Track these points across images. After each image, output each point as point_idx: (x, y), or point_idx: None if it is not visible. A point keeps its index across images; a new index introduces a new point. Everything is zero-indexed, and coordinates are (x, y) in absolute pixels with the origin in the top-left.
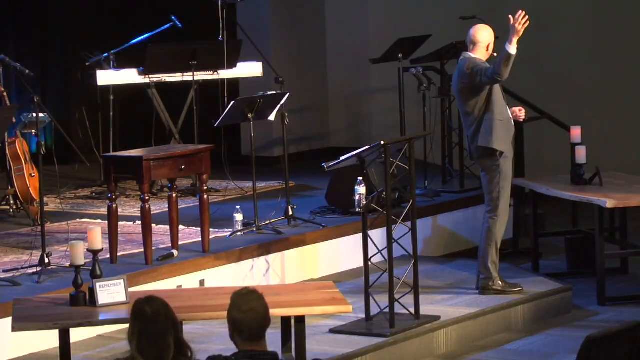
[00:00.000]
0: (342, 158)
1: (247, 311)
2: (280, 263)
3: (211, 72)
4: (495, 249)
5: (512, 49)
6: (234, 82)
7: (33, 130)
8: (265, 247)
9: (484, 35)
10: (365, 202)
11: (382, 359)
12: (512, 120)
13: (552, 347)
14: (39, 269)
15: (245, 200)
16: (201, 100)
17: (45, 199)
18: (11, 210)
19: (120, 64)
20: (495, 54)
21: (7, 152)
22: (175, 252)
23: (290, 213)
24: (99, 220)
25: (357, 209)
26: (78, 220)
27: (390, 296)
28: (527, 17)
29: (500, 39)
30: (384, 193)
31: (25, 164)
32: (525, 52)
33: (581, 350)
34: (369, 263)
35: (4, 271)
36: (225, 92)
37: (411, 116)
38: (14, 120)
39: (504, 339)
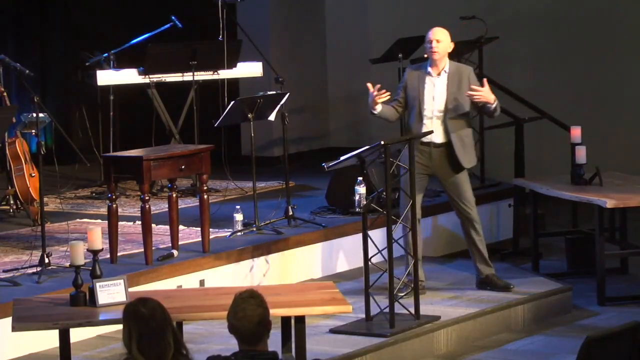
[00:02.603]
0: (342, 158)
1: (241, 319)
2: (280, 263)
3: (211, 72)
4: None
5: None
6: (234, 82)
7: (33, 130)
8: (265, 247)
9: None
10: (365, 202)
11: (382, 359)
12: None
13: (552, 347)
14: (39, 269)
15: (245, 200)
16: (201, 100)
17: (45, 199)
18: (11, 210)
19: (120, 64)
20: (426, 56)
21: (7, 152)
22: (175, 252)
23: (290, 213)
24: (99, 220)
25: (357, 209)
26: (78, 220)
27: (390, 296)
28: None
29: (500, 38)
30: (384, 193)
31: (25, 164)
32: (525, 52)
33: (581, 350)
34: (369, 263)
35: (4, 271)
36: (225, 92)
37: None
38: (14, 120)
39: (504, 339)
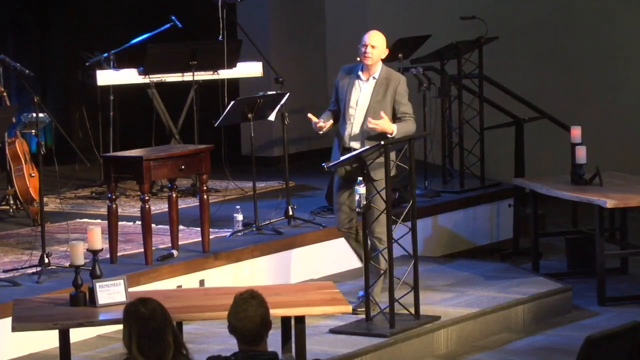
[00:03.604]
0: (342, 158)
1: (242, 319)
2: (280, 263)
3: (211, 72)
4: None
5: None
6: (234, 82)
7: (33, 130)
8: (265, 247)
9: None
10: (365, 202)
11: (382, 359)
12: None
13: (552, 347)
14: (39, 269)
15: (245, 200)
16: (201, 100)
17: (45, 199)
18: (11, 210)
19: (120, 64)
20: (359, 59)
21: (7, 152)
22: (175, 252)
23: (290, 213)
24: (99, 220)
25: (357, 209)
26: (78, 220)
27: (390, 296)
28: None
29: (500, 38)
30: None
31: (25, 164)
32: (525, 52)
33: (581, 350)
34: (369, 263)
35: (4, 271)
36: (225, 92)
37: None
38: (14, 120)
39: (504, 339)
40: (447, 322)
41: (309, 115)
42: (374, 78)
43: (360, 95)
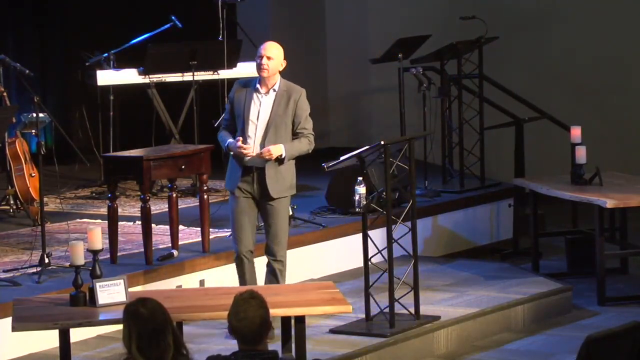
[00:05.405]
0: (342, 158)
1: (242, 320)
2: None
3: (211, 72)
4: None
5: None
6: (234, 82)
7: (33, 130)
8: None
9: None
10: (365, 202)
11: (382, 359)
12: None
13: (552, 347)
14: (39, 269)
15: None
16: (201, 100)
17: (45, 199)
18: (11, 210)
19: (120, 64)
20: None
21: (7, 152)
22: (175, 252)
23: (290, 213)
24: (99, 220)
25: (357, 209)
26: (78, 220)
27: (390, 296)
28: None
29: (500, 38)
30: (384, 193)
31: (25, 164)
32: (525, 52)
33: (581, 350)
34: (369, 263)
35: (4, 271)
36: (225, 92)
37: (411, 116)
38: (14, 120)
39: (504, 339)
40: (447, 322)
41: (238, 142)
42: (274, 91)
43: (261, 109)
